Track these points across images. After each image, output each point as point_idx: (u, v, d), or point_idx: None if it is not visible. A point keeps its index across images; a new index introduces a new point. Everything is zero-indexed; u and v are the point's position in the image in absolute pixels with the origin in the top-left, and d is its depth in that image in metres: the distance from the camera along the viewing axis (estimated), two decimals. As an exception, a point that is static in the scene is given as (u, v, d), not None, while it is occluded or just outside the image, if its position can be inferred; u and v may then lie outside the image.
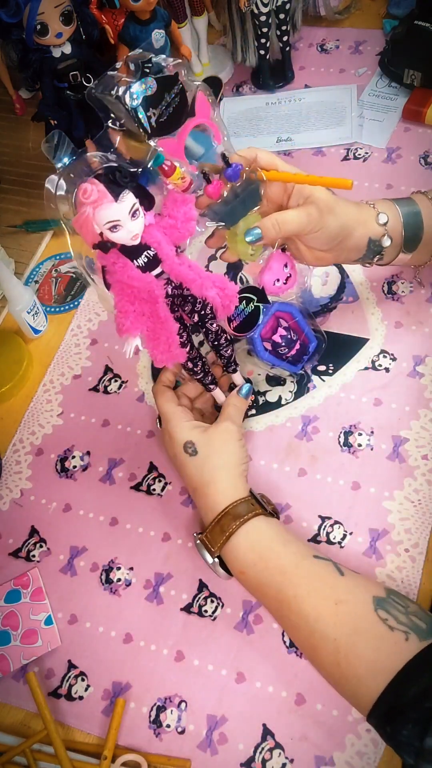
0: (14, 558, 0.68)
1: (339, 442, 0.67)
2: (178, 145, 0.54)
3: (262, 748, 0.55)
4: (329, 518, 0.63)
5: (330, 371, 0.71)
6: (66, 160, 0.50)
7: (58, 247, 0.91)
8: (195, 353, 0.61)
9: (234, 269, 0.79)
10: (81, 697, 0.60)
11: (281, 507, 0.65)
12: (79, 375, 0.78)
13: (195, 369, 0.61)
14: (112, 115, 0.52)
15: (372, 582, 0.52)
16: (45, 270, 0.89)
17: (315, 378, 0.71)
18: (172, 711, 0.57)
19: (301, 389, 0.71)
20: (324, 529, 0.63)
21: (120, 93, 0.50)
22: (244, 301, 0.63)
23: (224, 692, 0.57)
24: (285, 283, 0.65)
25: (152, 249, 0.53)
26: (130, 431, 0.73)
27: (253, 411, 0.70)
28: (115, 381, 0.77)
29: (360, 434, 0.67)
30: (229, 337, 0.63)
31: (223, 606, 0.61)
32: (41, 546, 0.68)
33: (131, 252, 0.52)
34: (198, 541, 0.58)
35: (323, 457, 0.66)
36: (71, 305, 0.85)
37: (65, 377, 0.79)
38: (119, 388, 0.76)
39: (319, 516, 0.63)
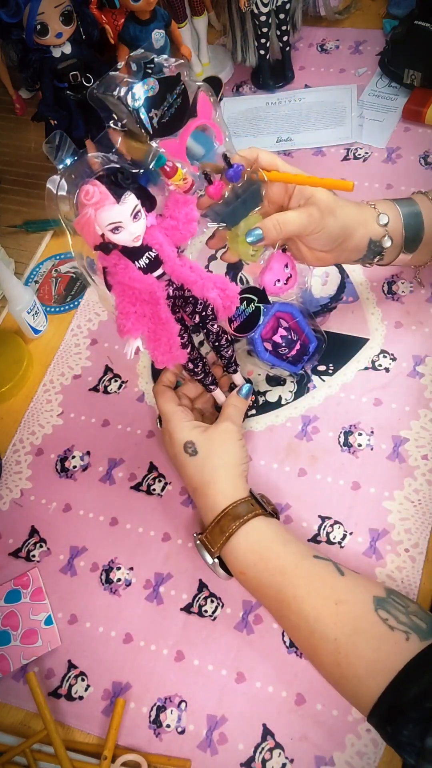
0: (14, 558, 0.68)
1: (339, 442, 0.67)
2: (180, 145, 0.54)
3: (262, 748, 0.55)
4: (329, 518, 0.63)
5: (330, 371, 0.71)
6: (68, 161, 0.50)
7: (58, 247, 0.91)
8: (196, 354, 0.61)
9: (234, 269, 0.79)
10: (81, 697, 0.60)
11: (281, 507, 0.65)
12: (79, 375, 0.78)
13: (195, 370, 0.61)
14: (113, 115, 0.52)
15: (372, 582, 0.52)
16: (45, 270, 0.89)
17: (315, 378, 0.71)
18: (172, 711, 0.57)
19: (301, 389, 0.71)
20: (324, 529, 0.63)
21: (122, 94, 0.50)
22: (244, 302, 0.63)
23: (224, 692, 0.57)
24: (286, 284, 0.65)
25: (154, 250, 0.53)
26: (130, 431, 0.73)
27: (253, 411, 0.70)
28: (115, 381, 0.77)
29: (360, 434, 0.67)
30: (229, 338, 0.63)
31: (223, 606, 0.61)
32: (41, 546, 0.68)
33: (133, 253, 0.52)
34: (198, 542, 0.58)
35: (323, 457, 0.66)
36: (71, 305, 0.85)
37: (65, 377, 0.79)
38: (119, 388, 0.76)
39: (319, 516, 0.63)
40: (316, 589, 0.51)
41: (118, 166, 0.50)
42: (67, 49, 0.77)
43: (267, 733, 0.55)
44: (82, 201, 0.48)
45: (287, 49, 0.95)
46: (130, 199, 0.49)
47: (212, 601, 0.61)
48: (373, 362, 0.70)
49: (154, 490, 0.69)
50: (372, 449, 0.66)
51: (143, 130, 0.51)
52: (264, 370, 0.72)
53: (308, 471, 0.66)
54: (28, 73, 0.79)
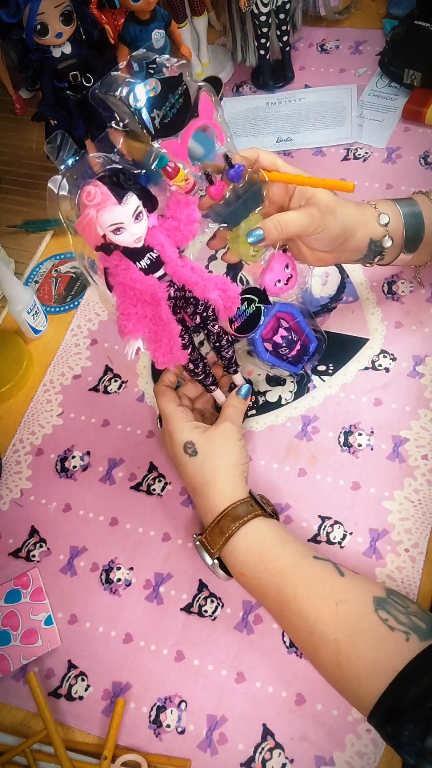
0: (14, 558, 0.68)
1: (339, 442, 0.67)
2: (182, 146, 0.54)
3: (262, 748, 0.55)
4: (329, 518, 0.63)
5: (330, 371, 0.71)
6: (69, 161, 0.50)
7: (58, 247, 0.91)
8: (196, 355, 0.61)
9: (234, 269, 0.79)
10: (81, 697, 0.60)
11: (281, 507, 0.65)
12: (79, 375, 0.78)
13: (196, 370, 0.61)
14: (115, 116, 0.52)
15: (372, 582, 0.52)
16: (45, 270, 0.89)
17: (315, 378, 0.71)
18: (172, 711, 0.57)
19: (301, 389, 0.71)
20: (324, 529, 0.63)
21: (124, 94, 0.50)
22: (245, 302, 0.63)
23: (224, 692, 0.57)
24: (286, 284, 0.65)
25: (155, 251, 0.53)
26: (130, 431, 0.73)
27: (253, 411, 0.70)
28: (115, 381, 0.77)
29: (360, 434, 0.67)
30: (230, 338, 0.63)
31: (223, 606, 0.61)
32: (41, 546, 0.68)
33: (134, 254, 0.52)
34: (197, 543, 0.58)
35: (323, 457, 0.66)
36: (71, 305, 0.85)
37: (65, 377, 0.79)
38: (119, 388, 0.76)
39: (319, 516, 0.63)
40: (316, 589, 0.51)
41: (119, 166, 0.50)
42: (67, 49, 0.77)
43: (267, 733, 0.55)
44: (84, 202, 0.48)
45: (287, 49, 0.95)
46: (132, 200, 0.49)
47: (212, 601, 0.61)
48: (373, 362, 0.70)
49: (154, 490, 0.69)
50: (372, 449, 0.66)
51: (145, 131, 0.51)
52: (264, 370, 0.72)
53: (308, 471, 0.66)
54: (28, 73, 0.79)
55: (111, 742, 0.55)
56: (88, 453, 0.73)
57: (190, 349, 0.59)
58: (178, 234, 0.54)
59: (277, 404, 0.70)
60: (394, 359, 0.70)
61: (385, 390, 0.68)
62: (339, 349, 0.72)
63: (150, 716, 0.58)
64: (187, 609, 0.62)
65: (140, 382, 0.76)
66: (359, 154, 0.87)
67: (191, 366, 0.61)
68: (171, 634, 0.61)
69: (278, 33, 0.93)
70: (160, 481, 0.69)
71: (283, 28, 0.92)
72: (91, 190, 0.47)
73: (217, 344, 0.62)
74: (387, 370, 0.70)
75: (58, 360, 0.80)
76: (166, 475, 0.69)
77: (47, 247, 0.91)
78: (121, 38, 0.83)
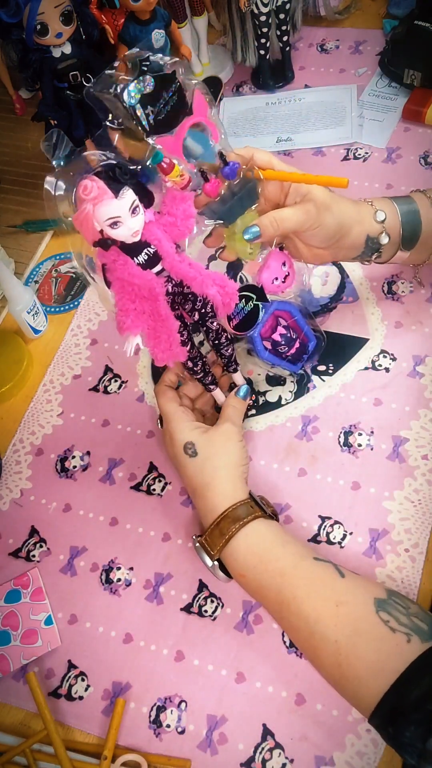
0: (14, 558, 0.68)
1: (339, 442, 0.67)
2: (176, 143, 0.54)
3: (262, 748, 0.55)
4: (329, 518, 0.63)
5: (330, 371, 0.71)
6: (63, 159, 0.51)
7: (58, 247, 0.91)
8: (195, 352, 0.61)
9: (234, 269, 0.79)
10: (81, 697, 0.60)
11: (281, 507, 0.65)
12: (79, 375, 0.78)
13: (195, 369, 0.61)
14: (110, 114, 0.52)
15: (372, 583, 0.52)
16: (45, 270, 0.89)
17: (315, 378, 0.71)
18: (172, 711, 0.57)
19: (301, 389, 0.71)
20: (324, 529, 0.63)
21: (118, 91, 0.50)
22: (243, 300, 0.63)
23: (224, 692, 0.57)
24: (284, 282, 0.65)
25: (152, 246, 0.53)
26: (130, 431, 0.73)
27: (253, 411, 0.70)
28: (115, 381, 0.77)
29: (360, 434, 0.67)
30: (229, 336, 0.63)
31: (223, 606, 0.61)
32: (41, 546, 0.68)
33: (131, 250, 0.52)
34: (197, 544, 0.57)
35: (323, 457, 0.66)
36: (71, 305, 0.85)
37: (65, 377, 0.79)
38: (119, 388, 0.76)
39: (319, 516, 0.63)
40: (316, 590, 0.51)
41: (115, 162, 0.50)
42: (67, 49, 0.77)
43: (267, 733, 0.55)
44: (81, 196, 0.48)
45: (287, 49, 0.95)
46: (128, 194, 0.49)
47: (212, 601, 0.61)
48: (373, 362, 0.70)
49: (154, 490, 0.69)
50: (372, 449, 0.66)
51: (140, 127, 0.52)
52: (264, 370, 0.72)
53: (308, 471, 0.66)
54: (28, 73, 0.79)
55: (111, 742, 0.55)
56: (88, 453, 0.73)
57: (189, 347, 0.59)
58: (175, 229, 0.54)
59: (277, 404, 0.70)
60: (394, 359, 0.70)
61: (385, 390, 0.68)
62: (339, 349, 0.72)
63: (150, 716, 0.58)
64: (187, 609, 0.62)
65: (140, 382, 0.76)
66: (359, 154, 0.87)
67: (190, 364, 0.61)
68: (171, 634, 0.61)
69: (278, 33, 0.93)
70: (160, 481, 0.69)
71: (283, 28, 0.92)
72: (87, 184, 0.47)
73: (216, 342, 0.62)
74: (387, 370, 0.70)
75: (58, 360, 0.80)
76: (166, 475, 0.69)
77: (47, 247, 0.91)
78: (121, 38, 0.83)
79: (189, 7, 0.94)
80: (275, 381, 0.72)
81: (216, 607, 0.61)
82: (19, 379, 0.78)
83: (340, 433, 0.67)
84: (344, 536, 0.62)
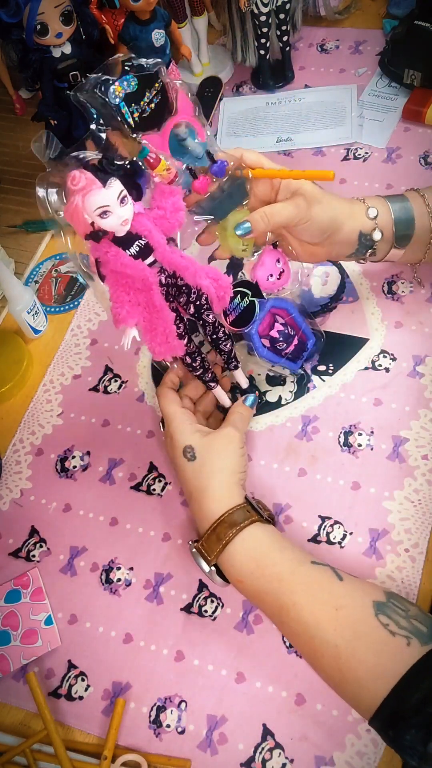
0: (14, 558, 0.68)
1: (339, 442, 0.67)
2: (162, 140, 0.56)
3: (262, 748, 0.55)
4: (329, 518, 0.63)
5: (330, 371, 0.71)
6: (52, 155, 0.53)
7: (58, 247, 0.91)
8: (193, 348, 0.61)
9: (233, 269, 0.79)
10: (81, 697, 0.60)
11: (281, 507, 0.65)
12: (79, 375, 0.78)
13: (194, 364, 0.61)
14: (97, 116, 0.54)
15: (371, 586, 0.52)
16: (45, 270, 0.89)
17: (315, 378, 0.71)
18: (172, 711, 0.57)
19: (301, 389, 0.71)
20: (324, 529, 0.63)
21: (103, 91, 0.52)
22: (238, 296, 0.63)
23: (224, 692, 0.57)
24: (279, 278, 0.65)
25: (143, 238, 0.54)
26: (130, 431, 0.73)
27: (253, 411, 0.70)
28: (115, 381, 0.77)
29: (360, 434, 0.67)
30: (226, 331, 0.63)
31: (223, 606, 0.61)
32: (41, 546, 0.68)
33: (123, 242, 0.53)
34: (193, 550, 0.57)
35: (323, 457, 0.66)
36: (71, 305, 0.85)
37: (65, 377, 0.79)
38: (119, 388, 0.76)
39: (319, 516, 0.63)
40: (314, 595, 0.51)
41: (100, 155, 0.52)
42: (67, 49, 0.77)
43: (267, 733, 0.55)
44: (70, 187, 0.49)
45: (287, 49, 0.95)
46: (116, 184, 0.50)
47: (212, 601, 0.61)
48: (373, 362, 0.70)
49: (154, 490, 0.69)
50: (372, 449, 0.66)
51: (125, 125, 0.53)
52: (264, 370, 0.72)
53: (308, 471, 0.66)
54: (28, 73, 0.79)
55: (111, 742, 0.55)
56: (88, 453, 0.73)
57: (186, 340, 0.59)
58: (165, 222, 0.55)
59: (277, 404, 0.70)
60: (394, 359, 0.70)
61: (385, 390, 0.68)
62: (339, 349, 0.72)
63: (150, 716, 0.58)
64: (187, 609, 0.62)
65: (140, 382, 0.76)
66: (359, 154, 0.87)
67: (189, 360, 0.61)
68: (171, 634, 0.61)
69: (278, 33, 0.93)
70: (160, 481, 0.69)
71: (283, 28, 0.92)
72: (75, 174, 0.49)
73: (214, 336, 0.62)
74: (387, 370, 0.70)
75: (58, 360, 0.80)
76: (166, 475, 0.69)
77: (47, 247, 0.91)
78: (121, 38, 0.83)
79: (189, 7, 0.94)
80: (275, 381, 0.72)
81: (216, 607, 0.61)
82: (19, 379, 0.78)
83: (340, 433, 0.67)
84: (344, 536, 0.62)
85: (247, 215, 0.59)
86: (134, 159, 0.53)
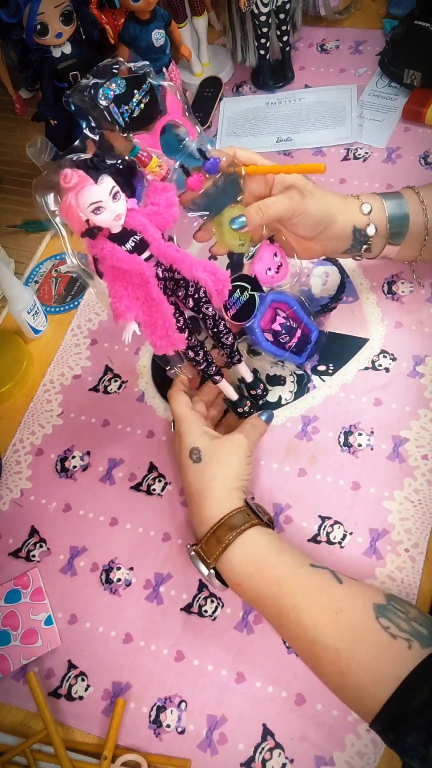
0: (14, 558, 0.68)
1: (339, 442, 0.67)
2: (154, 139, 0.57)
3: (262, 748, 0.55)
4: (329, 518, 0.63)
5: (330, 371, 0.71)
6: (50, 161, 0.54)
7: (58, 247, 0.91)
8: (195, 341, 0.61)
9: (233, 269, 0.79)
10: (81, 697, 0.60)
11: (281, 507, 0.65)
12: (79, 375, 0.78)
13: (197, 358, 0.61)
14: (89, 118, 0.55)
15: (371, 588, 0.52)
16: (45, 270, 0.89)
17: (315, 378, 0.71)
18: (172, 711, 0.57)
19: (301, 389, 0.71)
20: (324, 529, 0.63)
21: (92, 93, 0.54)
22: (238, 290, 0.64)
23: (224, 692, 0.57)
24: (277, 272, 0.65)
25: (138, 234, 0.54)
26: (130, 431, 0.73)
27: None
28: (115, 381, 0.77)
29: (360, 434, 0.67)
30: (227, 325, 0.63)
31: (223, 606, 0.61)
32: (41, 546, 0.68)
33: (118, 238, 0.54)
34: (192, 553, 0.57)
35: (323, 457, 0.66)
36: (71, 305, 0.85)
37: (65, 377, 0.79)
38: (119, 388, 0.76)
39: (319, 516, 0.63)
40: (314, 598, 0.51)
41: (90, 155, 0.53)
42: (67, 49, 0.77)
43: (267, 733, 0.55)
44: (62, 185, 0.50)
45: (287, 49, 0.95)
46: (107, 180, 0.51)
47: (212, 601, 0.61)
48: (373, 362, 0.70)
49: (154, 490, 0.69)
50: (372, 449, 0.66)
51: (117, 126, 0.55)
52: (264, 370, 0.72)
53: (308, 471, 0.66)
54: (28, 73, 0.79)
55: (111, 742, 0.55)
56: (88, 453, 0.73)
57: (187, 334, 0.59)
58: (159, 218, 0.56)
59: (277, 404, 0.70)
60: (394, 359, 0.70)
61: (385, 390, 0.68)
62: (339, 349, 0.72)
63: (150, 716, 0.58)
64: (187, 609, 0.62)
65: (140, 382, 0.76)
66: (359, 154, 0.87)
67: (191, 353, 0.61)
68: (171, 634, 0.61)
69: (278, 33, 0.93)
70: (160, 481, 0.69)
71: (283, 28, 0.92)
72: (67, 172, 0.50)
73: (215, 330, 0.62)
74: (387, 370, 0.70)
75: (58, 360, 0.80)
76: (166, 475, 0.69)
77: (47, 247, 0.91)
78: (121, 38, 0.83)
79: (189, 7, 0.94)
80: (275, 381, 0.72)
81: (216, 607, 0.61)
82: (19, 379, 0.78)
83: (340, 433, 0.67)
84: (344, 536, 0.62)
85: (242, 210, 0.60)
86: (126, 157, 0.54)
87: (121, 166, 0.53)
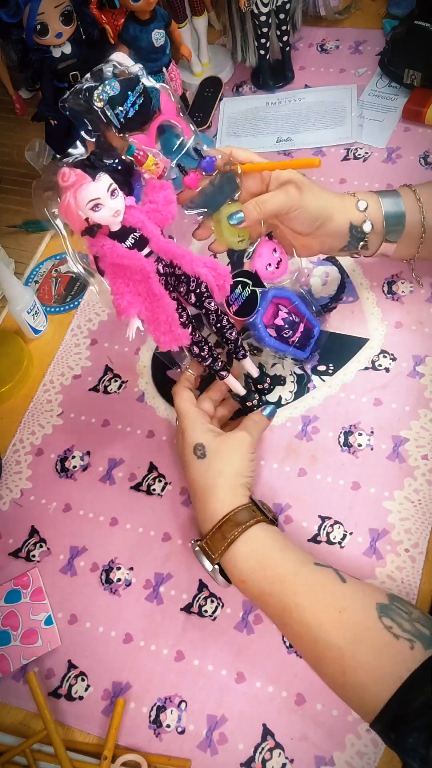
0: (14, 558, 0.68)
1: (339, 442, 0.67)
2: (149, 139, 0.57)
3: (262, 748, 0.55)
4: (329, 518, 0.63)
5: (330, 371, 0.71)
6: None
7: (58, 247, 0.91)
8: (199, 336, 0.61)
9: (234, 266, 0.79)
10: (81, 697, 0.60)
11: (281, 507, 0.65)
12: (79, 375, 0.78)
13: (202, 354, 0.61)
14: (85, 122, 0.56)
15: (374, 588, 0.52)
16: (45, 270, 0.89)
17: (315, 378, 0.71)
18: (172, 711, 0.57)
19: (301, 389, 0.71)
20: (324, 529, 0.63)
21: (87, 96, 0.54)
22: (239, 286, 0.64)
23: (224, 692, 0.57)
24: (277, 268, 0.66)
25: (138, 231, 0.55)
26: (130, 431, 0.73)
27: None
28: (115, 381, 0.77)
29: (360, 434, 0.67)
30: (230, 320, 0.63)
31: (223, 606, 0.61)
32: (41, 546, 0.68)
33: (118, 236, 0.54)
34: (197, 548, 0.57)
35: (323, 457, 0.66)
36: (71, 305, 0.85)
37: (65, 377, 0.79)
38: (119, 388, 0.76)
39: (319, 516, 0.63)
40: (318, 597, 0.51)
41: (86, 154, 0.54)
42: (67, 49, 0.77)
43: (267, 733, 0.55)
44: (60, 184, 0.50)
45: (287, 49, 0.95)
46: (105, 177, 0.51)
47: (212, 601, 0.61)
48: (373, 362, 0.70)
49: (154, 490, 0.69)
50: (372, 449, 0.66)
51: (112, 126, 0.55)
52: (266, 367, 0.72)
53: (308, 471, 0.66)
54: (28, 73, 0.79)
55: (111, 742, 0.55)
56: (88, 453, 0.73)
57: (190, 329, 0.59)
58: (158, 215, 0.56)
59: (277, 404, 0.70)
60: (394, 359, 0.70)
61: (385, 390, 0.68)
62: (339, 349, 0.72)
63: (150, 716, 0.58)
64: (187, 609, 0.62)
65: (140, 382, 0.76)
66: (359, 154, 0.87)
67: (196, 349, 0.61)
68: (171, 634, 0.61)
69: (278, 33, 0.93)
70: (160, 481, 0.69)
71: (283, 28, 0.92)
72: (65, 171, 0.50)
73: (218, 325, 0.62)
74: (387, 370, 0.70)
75: (58, 360, 0.80)
76: (166, 475, 0.69)
77: (47, 247, 0.91)
78: (121, 38, 0.83)
79: (189, 7, 0.94)
80: (275, 381, 0.72)
81: (216, 607, 0.61)
82: (19, 379, 0.78)
83: (340, 433, 0.67)
84: (344, 536, 0.62)
85: (240, 207, 0.61)
86: (123, 157, 0.54)
87: (119, 167, 0.54)
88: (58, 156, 0.55)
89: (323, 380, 0.71)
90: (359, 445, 0.66)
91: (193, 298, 0.59)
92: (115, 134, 0.56)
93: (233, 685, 0.58)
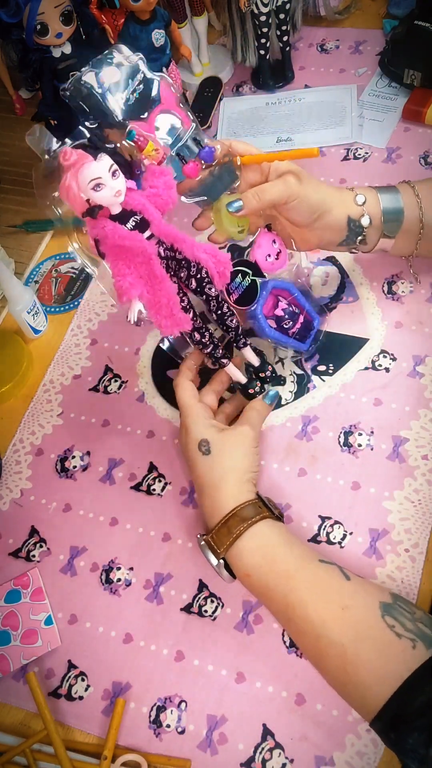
0: (14, 558, 0.68)
1: (339, 442, 0.67)
2: (149, 126, 0.58)
3: (262, 748, 0.55)
4: (329, 518, 0.63)
5: (330, 371, 0.71)
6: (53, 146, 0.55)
7: (58, 247, 0.91)
8: (200, 323, 0.61)
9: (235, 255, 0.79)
10: (81, 697, 0.60)
11: (281, 507, 0.65)
12: (79, 375, 0.78)
13: (203, 340, 0.62)
14: (86, 111, 0.56)
15: (377, 587, 0.52)
16: (45, 270, 0.89)
17: (315, 378, 0.71)
18: (172, 711, 0.57)
19: (301, 389, 0.71)
20: (324, 529, 0.63)
21: (89, 84, 0.55)
22: (239, 275, 0.64)
23: (224, 692, 0.57)
24: (276, 259, 0.66)
25: (139, 214, 0.55)
26: (130, 431, 0.73)
27: (272, 408, 0.69)
28: (115, 381, 0.77)
29: (360, 434, 0.67)
30: (230, 307, 0.63)
31: (223, 606, 0.61)
32: (41, 546, 0.68)
33: (119, 218, 0.54)
34: (202, 543, 0.57)
35: (323, 457, 0.66)
36: (71, 305, 0.85)
37: (65, 377, 0.79)
38: (119, 388, 0.76)
39: (319, 516, 0.63)
40: (321, 593, 0.51)
41: (88, 135, 0.54)
42: (67, 49, 0.77)
43: (267, 733, 0.55)
44: (62, 163, 0.51)
45: (287, 49, 0.95)
46: (106, 158, 0.52)
47: (212, 601, 0.61)
48: (373, 362, 0.70)
49: (154, 490, 0.69)
50: (372, 449, 0.66)
51: (112, 114, 0.56)
52: (269, 356, 0.72)
53: (308, 471, 0.66)
54: (28, 73, 0.79)
55: (111, 742, 0.55)
56: (88, 453, 0.73)
57: (192, 314, 0.59)
58: (159, 199, 0.56)
59: (277, 404, 0.70)
60: (394, 359, 0.70)
61: (385, 390, 0.68)
62: (339, 349, 0.72)
63: (150, 716, 0.58)
64: (187, 609, 0.62)
65: (140, 382, 0.76)
66: (359, 154, 0.87)
67: (197, 336, 0.61)
68: (171, 634, 0.61)
69: (278, 33, 0.93)
70: (160, 481, 0.69)
71: (283, 28, 0.92)
72: (67, 150, 0.50)
73: (219, 312, 0.62)
74: (387, 370, 0.70)
75: (58, 360, 0.80)
76: (166, 475, 0.69)
77: (47, 247, 0.91)
78: (121, 38, 0.83)
79: (189, 7, 0.94)
80: (275, 381, 0.72)
81: (216, 607, 0.61)
82: (19, 379, 0.78)
83: (340, 433, 0.67)
84: (344, 536, 0.62)
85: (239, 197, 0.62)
86: (124, 142, 0.55)
87: (116, 147, 0.54)
88: (59, 141, 0.55)
89: (323, 380, 0.71)
90: (359, 445, 0.66)
91: (193, 284, 0.59)
92: (113, 130, 0.56)
93: (233, 685, 0.58)
